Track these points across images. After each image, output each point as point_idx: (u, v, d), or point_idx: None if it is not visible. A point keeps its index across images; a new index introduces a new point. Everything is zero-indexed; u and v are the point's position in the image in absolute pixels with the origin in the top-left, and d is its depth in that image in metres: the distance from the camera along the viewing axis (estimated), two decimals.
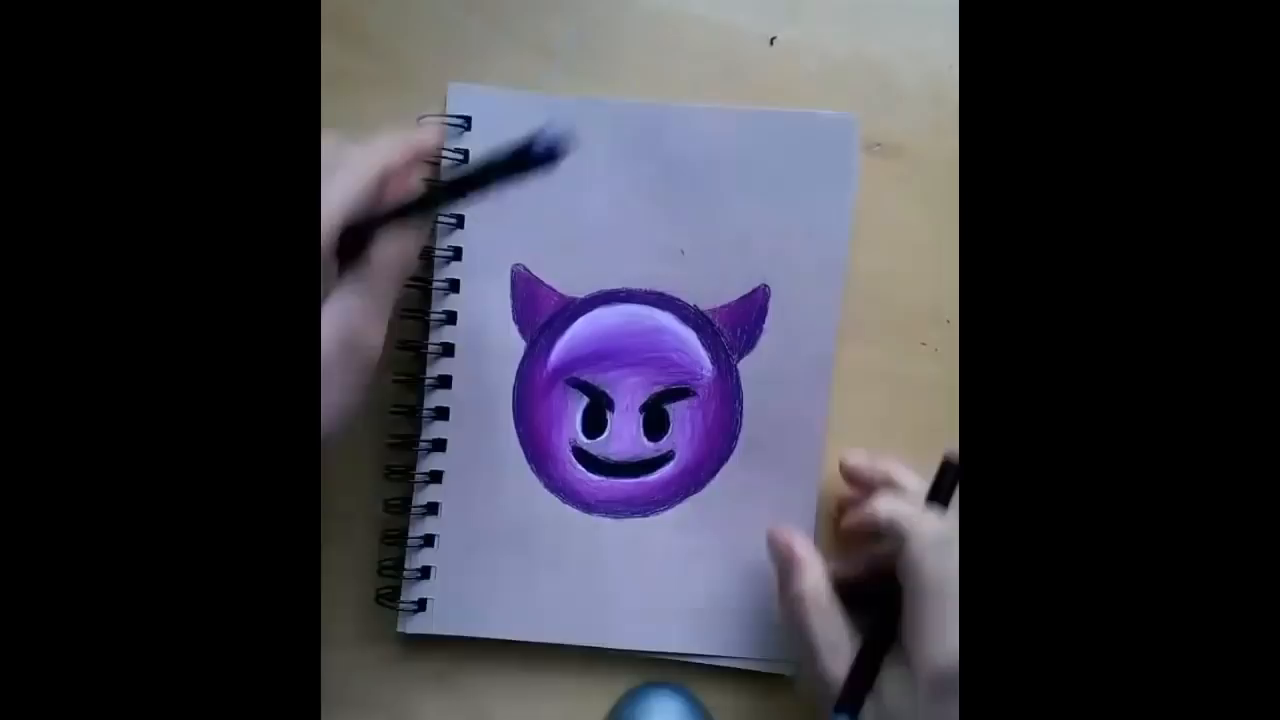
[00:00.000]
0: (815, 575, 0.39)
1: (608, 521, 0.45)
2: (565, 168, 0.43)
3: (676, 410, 0.45)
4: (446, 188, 0.37)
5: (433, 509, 0.44)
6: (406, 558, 0.44)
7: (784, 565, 0.40)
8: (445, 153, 0.44)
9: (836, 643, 0.38)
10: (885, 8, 0.46)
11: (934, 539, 0.37)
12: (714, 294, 0.45)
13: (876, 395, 0.45)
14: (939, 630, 0.35)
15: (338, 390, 0.36)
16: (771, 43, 0.46)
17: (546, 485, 0.45)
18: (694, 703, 0.44)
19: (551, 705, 0.45)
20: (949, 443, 0.39)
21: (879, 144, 0.45)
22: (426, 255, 0.44)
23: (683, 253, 0.44)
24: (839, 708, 0.36)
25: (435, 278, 0.44)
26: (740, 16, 0.46)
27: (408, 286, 0.45)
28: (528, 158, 0.31)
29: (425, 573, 0.44)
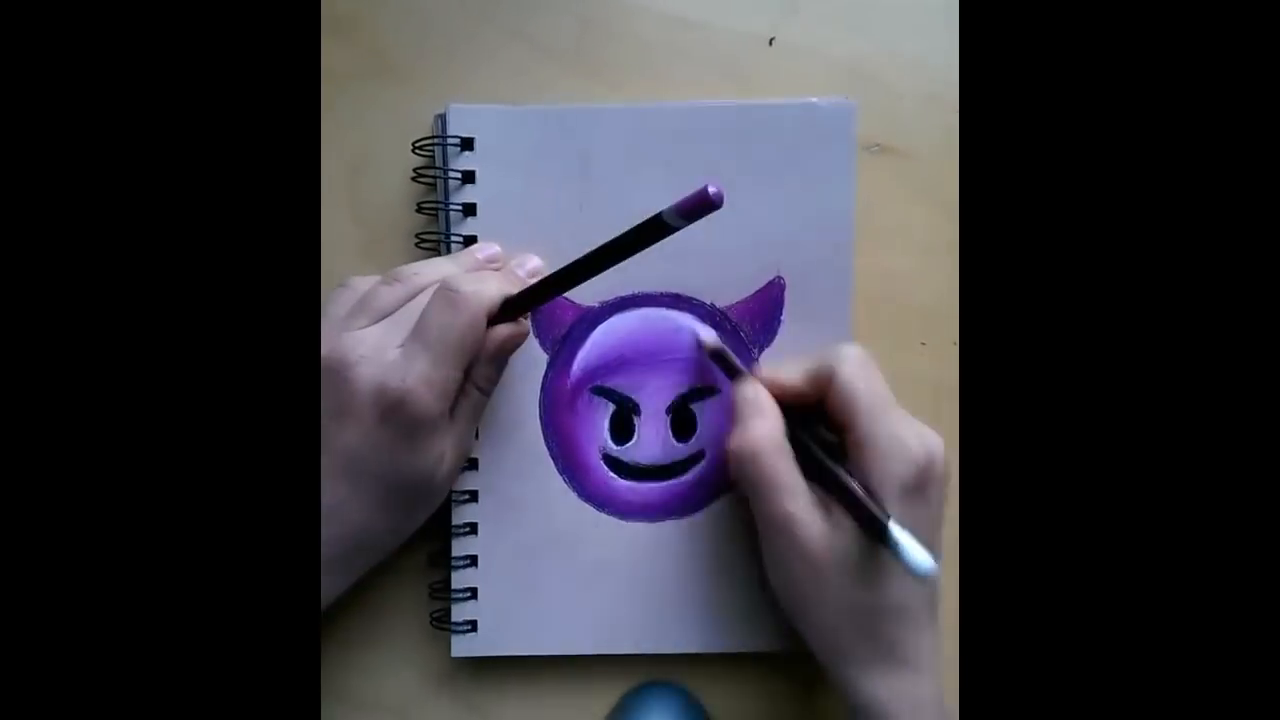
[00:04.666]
0: (774, 421, 0.41)
1: (644, 526, 0.46)
2: (571, 176, 0.46)
3: (703, 409, 0.46)
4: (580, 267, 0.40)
5: (472, 529, 0.46)
6: (452, 579, 0.46)
7: (745, 409, 0.42)
8: (450, 173, 0.46)
9: (794, 484, 0.39)
10: (885, 8, 0.47)
11: (859, 359, 0.41)
12: (729, 290, 0.46)
13: None
14: (893, 438, 0.39)
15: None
16: (771, 43, 0.48)
17: (580, 495, 0.46)
18: (694, 702, 0.46)
19: (552, 705, 0.47)
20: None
21: (879, 144, 0.47)
22: None
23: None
24: (877, 522, 0.36)
25: None
26: (740, 17, 0.48)
27: None
28: (658, 225, 0.35)
29: (472, 593, 0.46)
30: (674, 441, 0.47)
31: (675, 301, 0.46)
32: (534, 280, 0.43)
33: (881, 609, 0.38)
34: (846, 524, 0.38)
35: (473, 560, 0.46)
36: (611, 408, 0.47)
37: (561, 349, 0.46)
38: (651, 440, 0.47)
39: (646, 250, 0.45)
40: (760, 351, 0.46)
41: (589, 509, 0.46)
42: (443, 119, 0.46)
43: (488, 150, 0.46)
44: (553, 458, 0.46)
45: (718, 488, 0.47)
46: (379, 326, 0.41)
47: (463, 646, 0.46)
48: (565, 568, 0.46)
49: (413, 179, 0.47)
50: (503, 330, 0.42)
